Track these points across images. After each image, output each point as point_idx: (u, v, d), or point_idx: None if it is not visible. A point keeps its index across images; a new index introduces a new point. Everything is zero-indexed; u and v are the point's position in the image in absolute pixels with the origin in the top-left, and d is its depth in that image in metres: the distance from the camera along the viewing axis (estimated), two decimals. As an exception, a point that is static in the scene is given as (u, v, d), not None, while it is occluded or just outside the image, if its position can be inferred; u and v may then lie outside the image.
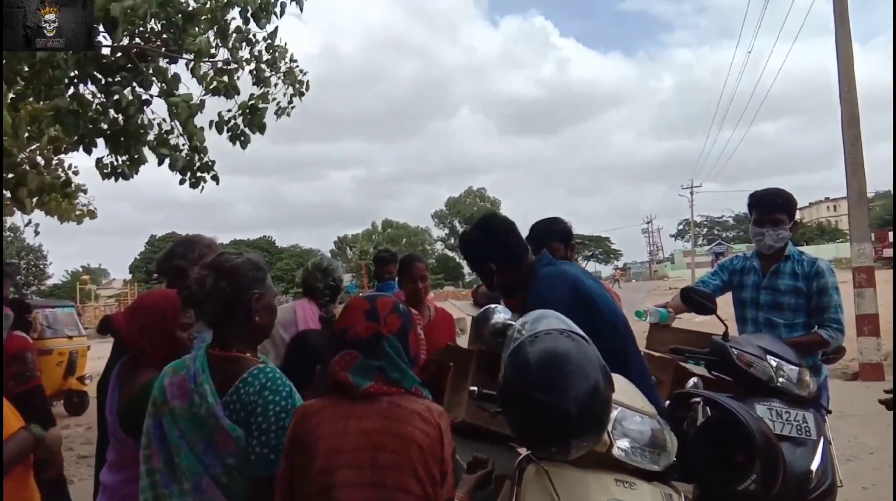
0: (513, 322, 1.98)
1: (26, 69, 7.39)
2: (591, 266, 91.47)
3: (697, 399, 2.04)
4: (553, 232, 3.28)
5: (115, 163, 8.63)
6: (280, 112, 8.64)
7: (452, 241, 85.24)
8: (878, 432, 2.18)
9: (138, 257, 72.05)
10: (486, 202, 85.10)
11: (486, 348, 2.17)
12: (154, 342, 2.15)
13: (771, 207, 3.32)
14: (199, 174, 8.56)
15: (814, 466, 2.39)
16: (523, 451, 1.95)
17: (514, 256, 2.46)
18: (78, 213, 10.74)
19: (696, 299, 2.90)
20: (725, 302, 3.59)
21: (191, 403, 1.71)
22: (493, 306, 2.27)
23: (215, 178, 8.57)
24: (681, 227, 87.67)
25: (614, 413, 1.76)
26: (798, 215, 3.57)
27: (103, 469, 2.19)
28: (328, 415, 1.57)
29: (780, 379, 2.60)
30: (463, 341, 3.41)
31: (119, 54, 8.49)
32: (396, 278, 4.06)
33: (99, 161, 8.62)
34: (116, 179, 9.33)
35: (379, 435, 1.53)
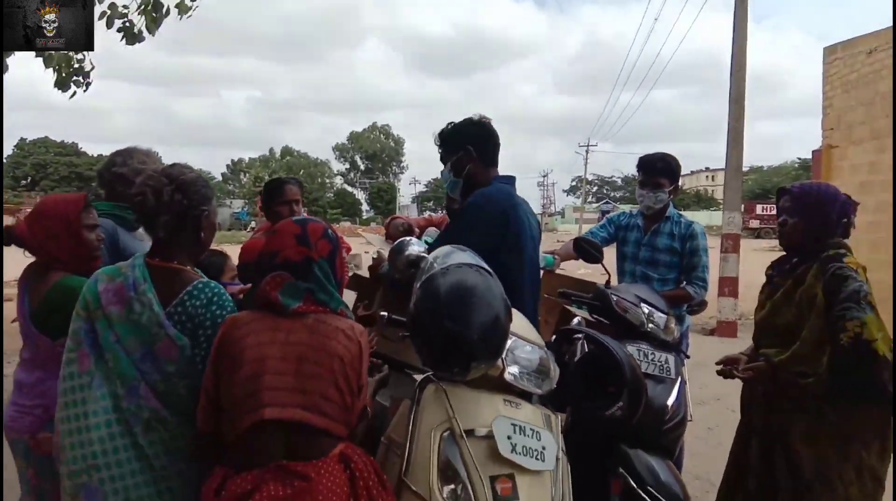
0: (425, 255, 2.12)
1: None
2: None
3: (579, 336, 2.28)
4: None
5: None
6: (183, 9, 8.01)
7: (352, 176, 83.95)
8: (726, 383, 2.59)
9: (5, 161, 65.65)
10: (389, 140, 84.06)
11: (400, 278, 2.30)
12: (60, 245, 2.13)
13: (653, 170, 3.62)
14: (74, 78, 7.89)
15: (670, 401, 2.73)
16: (419, 377, 2.12)
17: (493, 156, 2.70)
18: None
19: (586, 248, 3.16)
20: (609, 256, 3.93)
21: (129, 310, 1.73)
22: (407, 238, 2.39)
23: (87, 85, 7.93)
24: (573, 183, 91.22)
25: (509, 342, 1.95)
26: (680, 182, 3.91)
27: (17, 368, 2.18)
28: (256, 327, 1.66)
29: (650, 325, 2.92)
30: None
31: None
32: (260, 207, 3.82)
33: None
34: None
35: (304, 348, 1.64)
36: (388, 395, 2.37)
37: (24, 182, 64.47)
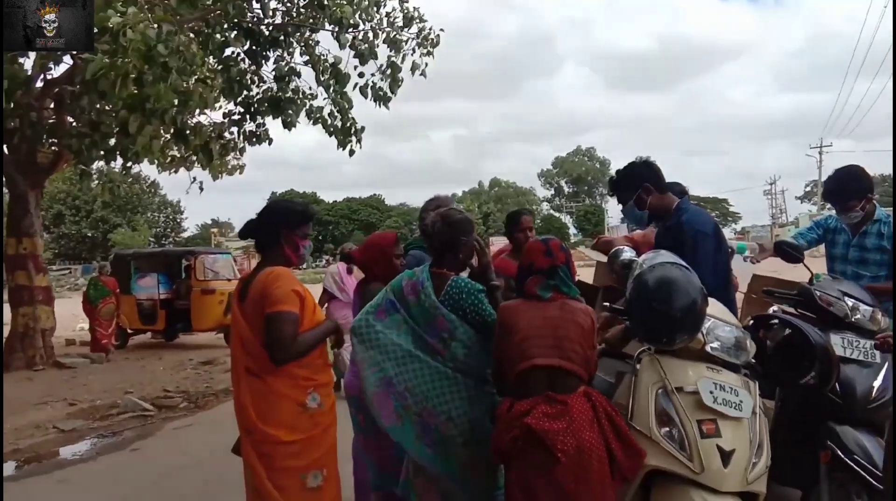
0: (636, 258, 2.76)
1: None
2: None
3: (775, 321, 2.73)
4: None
5: (255, 130, 9.94)
6: (415, 69, 9.52)
7: (558, 201, 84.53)
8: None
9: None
10: (594, 162, 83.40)
11: (617, 276, 2.95)
12: (379, 266, 3.16)
13: (836, 199, 3.81)
14: (349, 138, 9.75)
15: (876, 383, 2.99)
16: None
17: (664, 185, 3.25)
18: (230, 167, 12.32)
19: (786, 250, 3.50)
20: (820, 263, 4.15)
21: (419, 298, 2.64)
22: (621, 247, 3.05)
23: (360, 141, 9.74)
24: (808, 189, 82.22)
25: (708, 323, 2.50)
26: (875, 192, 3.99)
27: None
28: (525, 309, 2.45)
29: (856, 316, 3.17)
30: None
31: (271, 28, 9.72)
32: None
33: (241, 128, 9.94)
34: (258, 144, 10.70)
35: (557, 319, 2.39)
36: (613, 373, 3.00)
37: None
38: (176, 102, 7.61)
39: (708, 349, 2.50)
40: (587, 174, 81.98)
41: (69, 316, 15.24)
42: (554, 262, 2.46)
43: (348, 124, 9.59)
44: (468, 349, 2.56)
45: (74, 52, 8.34)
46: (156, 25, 6.07)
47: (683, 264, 2.48)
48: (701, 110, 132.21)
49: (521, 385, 2.36)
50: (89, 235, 56.81)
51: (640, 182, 3.20)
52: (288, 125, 9.64)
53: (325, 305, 7.05)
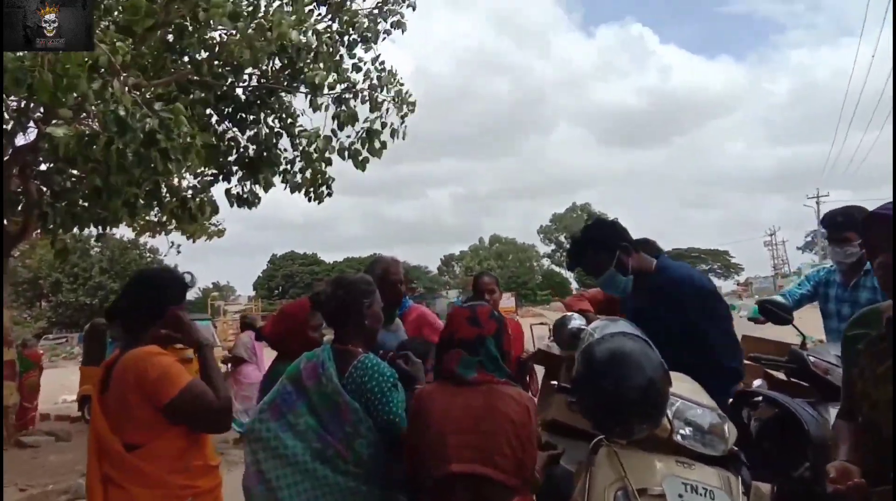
0: (585, 327, 2.33)
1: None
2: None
3: (759, 398, 2.28)
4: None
5: (242, 192, 9.72)
6: (395, 134, 9.36)
7: (559, 256, 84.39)
8: None
9: (261, 275, 76.52)
10: (592, 218, 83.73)
11: (564, 348, 2.52)
12: (290, 339, 2.74)
13: (836, 226, 3.44)
14: (319, 190, 9.53)
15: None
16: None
17: (633, 240, 2.82)
18: (210, 232, 12.05)
19: (771, 310, 3.08)
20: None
21: (319, 383, 2.20)
22: (569, 314, 2.62)
23: (330, 193, 9.54)
24: (808, 239, 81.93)
25: (676, 404, 2.06)
26: None
27: None
28: (440, 395, 2.00)
29: (857, 386, 2.74)
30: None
31: (248, 94, 9.60)
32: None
33: (228, 191, 9.73)
34: (242, 206, 10.47)
35: (481, 410, 1.93)
36: (574, 461, 2.53)
37: (276, 292, 74.69)
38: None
39: (676, 437, 2.05)
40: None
41: (57, 387, 14.68)
42: (481, 332, 2.02)
43: (317, 178, 9.42)
44: (374, 448, 2.12)
45: (38, 120, 8.18)
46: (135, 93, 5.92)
47: (641, 335, 2.05)
48: (696, 164, 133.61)
49: (438, 497, 1.90)
50: (87, 302, 56.32)
51: (617, 243, 2.73)
52: (267, 187, 9.44)
53: (228, 366, 6.92)
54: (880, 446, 1.58)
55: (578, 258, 2.80)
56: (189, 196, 9.65)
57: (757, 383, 2.63)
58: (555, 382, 2.29)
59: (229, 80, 9.32)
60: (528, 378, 3.52)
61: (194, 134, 6.89)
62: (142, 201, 9.20)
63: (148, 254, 57.20)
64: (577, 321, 2.53)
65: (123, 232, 12.65)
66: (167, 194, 9.04)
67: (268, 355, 3.48)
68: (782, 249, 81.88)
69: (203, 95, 8.78)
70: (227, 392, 2.22)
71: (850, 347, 1.76)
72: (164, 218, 10.24)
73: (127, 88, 6.21)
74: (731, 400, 2.40)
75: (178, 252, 11.60)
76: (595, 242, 2.77)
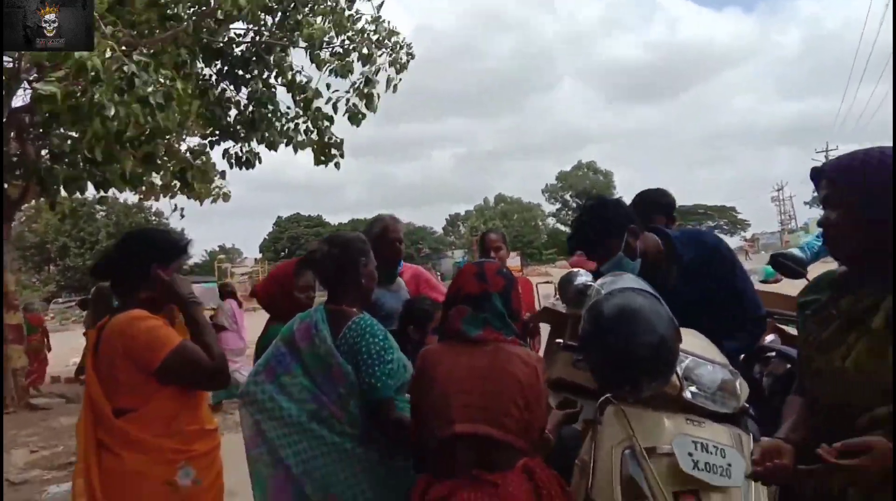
0: (592, 283, 2.23)
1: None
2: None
3: (772, 353, 2.20)
4: (660, 205, 3.38)
5: (240, 153, 9.55)
6: (388, 85, 9.08)
7: (564, 215, 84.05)
8: None
9: (267, 237, 76.66)
10: (598, 175, 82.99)
11: (570, 306, 2.43)
12: (279, 301, 2.71)
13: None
14: (330, 152, 9.33)
15: None
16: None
17: (635, 218, 2.53)
18: (214, 194, 11.95)
19: (783, 263, 2.97)
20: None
21: (312, 344, 2.14)
22: (575, 270, 2.51)
23: (342, 155, 9.31)
24: (815, 194, 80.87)
25: (685, 362, 1.98)
26: None
27: None
28: (445, 354, 1.92)
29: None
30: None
31: (244, 48, 9.34)
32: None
33: (226, 152, 9.56)
34: (242, 168, 10.31)
35: (486, 370, 1.84)
36: (580, 421, 2.47)
37: (282, 254, 74.94)
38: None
39: (686, 395, 1.97)
40: (592, 187, 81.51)
41: (67, 351, 14.81)
42: (487, 287, 1.93)
43: (326, 139, 9.16)
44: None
45: (32, 82, 8.00)
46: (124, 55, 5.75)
47: (650, 290, 1.96)
48: (703, 120, 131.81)
49: (442, 459, 1.83)
50: (95, 266, 56.64)
51: (624, 225, 2.41)
52: (271, 146, 9.24)
53: None
54: (819, 420, 1.48)
55: (581, 242, 2.52)
56: (190, 159, 9.49)
57: (770, 338, 2.55)
58: (560, 340, 2.21)
59: (224, 36, 9.08)
60: (531, 338, 3.44)
61: (174, 77, 6.68)
62: (137, 167, 9.06)
63: (154, 217, 57.37)
64: (583, 278, 2.42)
65: (127, 195, 12.50)
66: (166, 157, 8.89)
67: (252, 321, 3.39)
68: (789, 204, 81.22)
69: (196, 50, 8.53)
70: (220, 350, 2.15)
71: (801, 313, 1.65)
72: (168, 181, 10.11)
73: (108, 41, 6.03)
74: (741, 356, 2.32)
75: (182, 216, 11.50)
76: (600, 224, 2.45)
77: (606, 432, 1.98)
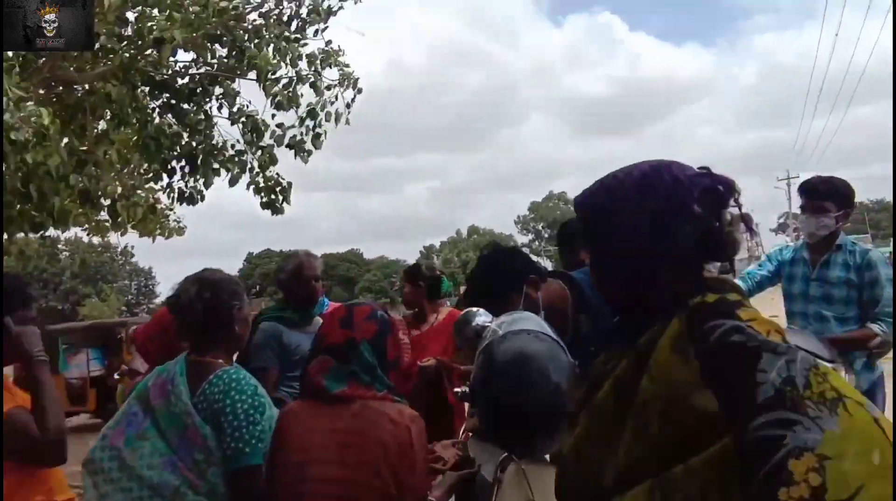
0: (490, 323, 1.97)
1: (113, 103, 7.99)
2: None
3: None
4: None
5: (184, 188, 9.18)
6: (338, 118, 8.74)
7: (537, 245, 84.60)
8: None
9: (238, 274, 75.73)
10: (569, 205, 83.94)
11: (466, 348, 2.16)
12: (159, 351, 2.37)
13: (815, 194, 3.16)
14: (273, 197, 8.95)
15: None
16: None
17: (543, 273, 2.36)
18: (169, 229, 11.50)
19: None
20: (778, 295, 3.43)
21: (167, 401, 1.85)
22: (475, 309, 2.24)
23: (286, 201, 8.92)
24: (781, 221, 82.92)
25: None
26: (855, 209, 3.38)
27: None
28: (303, 415, 1.64)
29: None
30: None
31: (186, 80, 9.05)
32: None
33: (168, 186, 9.18)
34: (187, 203, 9.91)
35: (347, 435, 1.57)
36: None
37: (254, 291, 73.83)
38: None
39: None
40: (562, 218, 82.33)
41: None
42: (352, 334, 1.66)
43: (271, 183, 8.79)
44: None
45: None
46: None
47: (549, 332, 1.69)
48: (668, 151, 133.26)
49: None
50: (59, 308, 55.20)
51: (521, 276, 2.18)
52: (206, 182, 8.87)
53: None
54: None
55: (478, 295, 2.26)
56: (119, 196, 9.09)
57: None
58: (457, 389, 1.93)
59: (168, 69, 8.81)
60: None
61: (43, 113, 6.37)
62: (69, 205, 8.67)
63: (120, 257, 56.28)
64: (482, 317, 2.15)
65: (73, 234, 12.06)
66: (101, 196, 8.49)
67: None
68: (756, 232, 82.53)
69: (137, 83, 8.24)
70: (59, 421, 1.85)
71: None
72: (95, 218, 9.68)
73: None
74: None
75: (132, 255, 11.09)
76: (495, 276, 2.22)
77: (507, 494, 1.69)
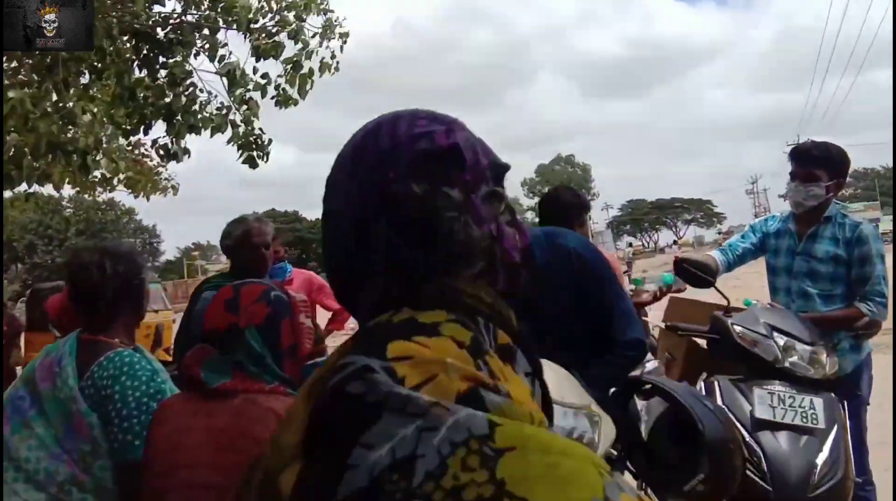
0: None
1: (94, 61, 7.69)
2: (692, 231, 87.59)
3: (648, 385, 1.75)
4: (575, 206, 3.00)
5: (170, 145, 8.91)
6: (323, 69, 8.34)
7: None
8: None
9: (240, 233, 75.69)
10: (576, 169, 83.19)
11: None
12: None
13: (807, 159, 2.89)
14: (255, 152, 8.68)
15: (820, 459, 2.04)
16: None
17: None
18: (161, 187, 11.26)
19: (688, 270, 2.53)
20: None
21: (54, 385, 1.66)
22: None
23: (265, 157, 8.64)
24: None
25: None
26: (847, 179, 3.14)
27: None
28: (178, 412, 1.43)
29: (790, 360, 2.24)
30: None
31: (168, 29, 8.70)
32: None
33: (154, 142, 8.92)
34: (171, 160, 9.62)
35: (225, 435, 1.35)
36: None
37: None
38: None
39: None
40: (569, 181, 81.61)
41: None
42: (237, 320, 1.44)
43: (252, 137, 8.49)
44: None
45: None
46: None
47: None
48: (679, 114, 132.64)
49: None
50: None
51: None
52: (178, 137, 8.60)
53: None
54: None
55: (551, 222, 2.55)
56: (91, 148, 8.82)
57: (649, 365, 2.12)
58: None
59: (149, 18, 8.47)
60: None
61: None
62: (33, 160, 8.46)
63: (125, 215, 56.20)
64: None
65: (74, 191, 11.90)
66: (69, 148, 8.25)
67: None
68: (764, 197, 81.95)
69: (114, 34, 7.92)
70: None
71: None
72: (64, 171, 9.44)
73: None
74: (613, 390, 1.87)
75: (136, 212, 10.90)
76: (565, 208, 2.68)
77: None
